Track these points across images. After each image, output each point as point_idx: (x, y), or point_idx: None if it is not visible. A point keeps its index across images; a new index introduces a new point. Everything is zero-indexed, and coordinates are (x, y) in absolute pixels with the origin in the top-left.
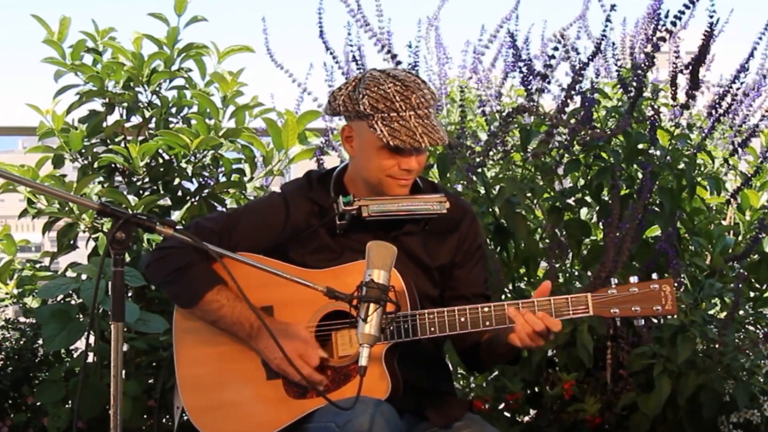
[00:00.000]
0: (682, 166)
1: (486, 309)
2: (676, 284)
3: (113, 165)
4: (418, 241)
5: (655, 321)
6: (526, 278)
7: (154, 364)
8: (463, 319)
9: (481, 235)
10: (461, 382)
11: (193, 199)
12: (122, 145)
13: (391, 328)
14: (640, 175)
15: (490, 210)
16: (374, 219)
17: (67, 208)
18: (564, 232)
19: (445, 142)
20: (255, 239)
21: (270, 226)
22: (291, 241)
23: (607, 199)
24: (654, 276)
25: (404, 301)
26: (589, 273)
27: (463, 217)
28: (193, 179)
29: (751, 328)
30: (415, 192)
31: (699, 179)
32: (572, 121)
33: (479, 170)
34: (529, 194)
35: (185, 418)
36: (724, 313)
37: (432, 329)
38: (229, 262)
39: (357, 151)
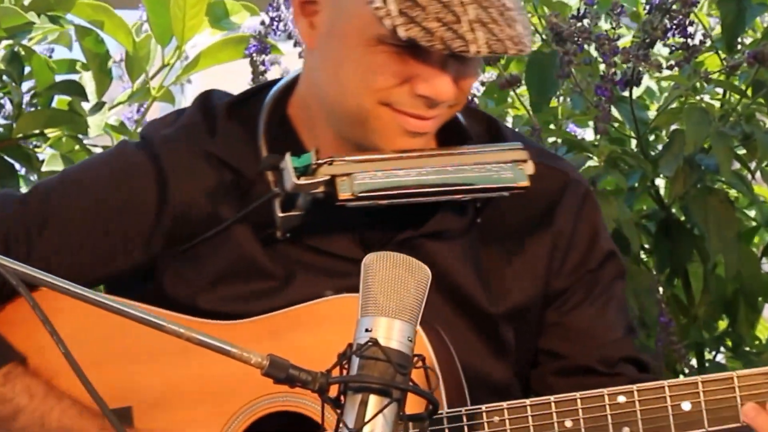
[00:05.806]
0: None
1: (622, 398)
2: None
3: None
4: (462, 252)
5: None
6: (730, 341)
7: None
8: (570, 424)
9: (606, 231)
10: None
11: None
12: None
13: None
14: None
15: (650, 185)
16: (364, 205)
17: None
18: None
19: (526, 51)
20: (90, 246)
21: (124, 217)
22: (172, 254)
23: None
24: None
25: (437, 391)
26: None
27: (563, 195)
28: None
29: None
30: (448, 139)
31: None
32: None
33: (625, 94)
34: (741, 150)
35: None
36: None
37: None
38: (43, 303)
39: (324, 39)
